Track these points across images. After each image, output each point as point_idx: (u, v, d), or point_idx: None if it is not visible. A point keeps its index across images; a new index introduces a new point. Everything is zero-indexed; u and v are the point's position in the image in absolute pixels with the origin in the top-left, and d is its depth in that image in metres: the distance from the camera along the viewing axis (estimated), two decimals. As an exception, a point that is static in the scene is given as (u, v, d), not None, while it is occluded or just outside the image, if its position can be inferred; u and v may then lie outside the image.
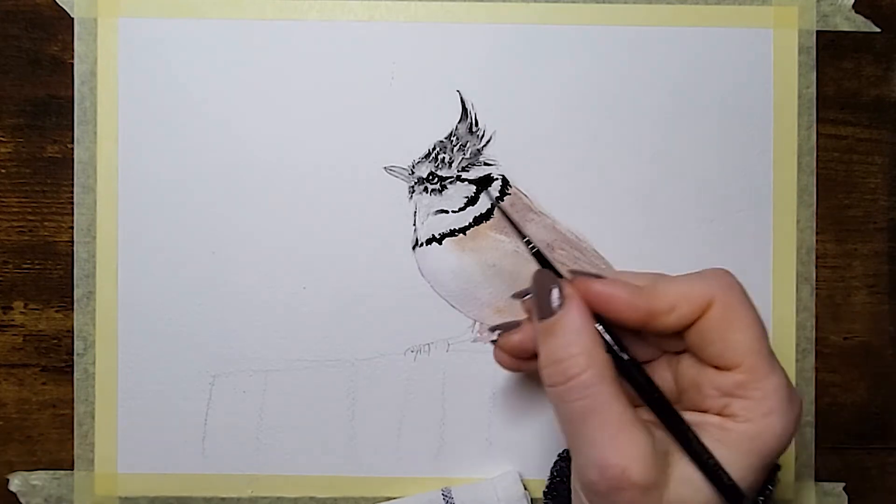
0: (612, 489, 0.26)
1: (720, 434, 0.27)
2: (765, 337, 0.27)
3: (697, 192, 0.38)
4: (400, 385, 0.38)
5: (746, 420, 0.27)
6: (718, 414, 0.27)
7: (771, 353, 0.27)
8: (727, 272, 0.29)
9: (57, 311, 0.38)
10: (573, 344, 0.27)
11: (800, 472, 0.38)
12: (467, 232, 0.37)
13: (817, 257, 0.38)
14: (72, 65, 0.38)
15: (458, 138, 0.37)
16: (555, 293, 0.27)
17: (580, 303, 0.27)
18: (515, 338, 0.31)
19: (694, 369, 0.28)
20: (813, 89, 0.38)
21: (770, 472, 0.28)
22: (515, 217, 0.37)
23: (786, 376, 0.27)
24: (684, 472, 0.26)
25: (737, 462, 0.26)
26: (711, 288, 0.28)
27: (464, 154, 0.37)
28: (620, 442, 0.26)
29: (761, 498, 0.28)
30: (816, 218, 0.38)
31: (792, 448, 0.38)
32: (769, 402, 0.26)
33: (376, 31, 0.38)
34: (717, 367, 0.28)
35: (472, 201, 0.37)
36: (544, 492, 0.34)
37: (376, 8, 0.38)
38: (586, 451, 0.27)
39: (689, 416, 0.28)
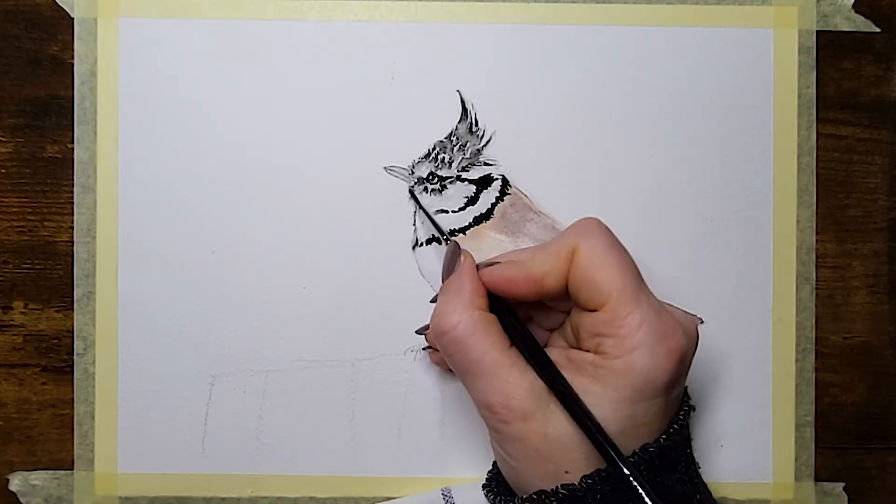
0: (501, 422, 0.29)
1: (594, 371, 0.29)
2: (631, 276, 0.29)
3: (697, 192, 0.38)
4: (400, 385, 0.38)
5: (615, 356, 0.28)
6: (595, 353, 0.29)
7: (638, 291, 0.29)
8: (591, 219, 0.31)
9: (57, 311, 0.38)
10: (450, 301, 0.30)
11: (800, 472, 0.38)
12: (467, 232, 0.37)
13: (817, 257, 0.38)
14: (72, 65, 0.38)
15: (458, 138, 0.37)
16: (455, 261, 0.32)
17: (470, 269, 0.31)
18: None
19: (577, 316, 0.31)
20: (813, 89, 0.38)
21: (679, 406, 0.30)
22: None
23: (658, 312, 0.29)
24: (594, 409, 0.28)
25: (608, 396, 0.28)
26: (572, 237, 0.30)
27: (464, 154, 0.37)
28: (498, 383, 0.29)
29: (663, 437, 0.29)
30: (816, 218, 0.38)
31: (792, 448, 0.38)
32: (633, 337, 0.28)
33: (376, 31, 0.38)
34: (590, 311, 0.29)
35: (472, 201, 0.37)
36: (483, 484, 0.34)
37: (376, 8, 0.38)
38: (474, 395, 0.30)
39: (573, 356, 0.30)
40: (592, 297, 0.29)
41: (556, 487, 0.28)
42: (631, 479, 0.27)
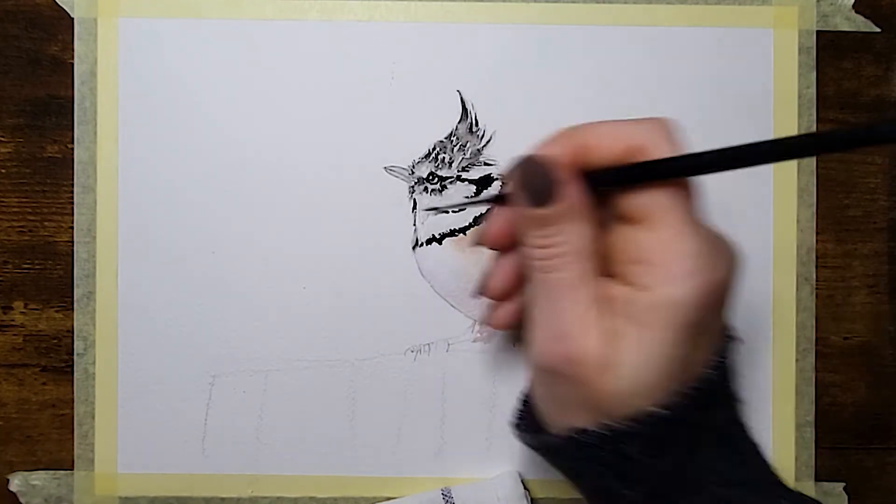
0: (563, 361, 0.26)
1: (626, 308, 0.25)
2: (690, 196, 0.25)
3: (697, 192, 0.38)
4: (400, 385, 0.38)
5: (649, 288, 0.25)
6: (624, 284, 0.26)
7: (693, 216, 0.25)
8: (668, 121, 0.27)
9: (57, 311, 0.38)
10: (571, 223, 0.26)
11: (800, 472, 0.38)
12: (467, 232, 0.37)
13: (817, 257, 0.38)
14: (72, 65, 0.38)
15: (458, 138, 0.37)
16: (550, 179, 0.26)
17: (576, 180, 0.26)
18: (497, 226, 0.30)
19: (614, 233, 0.27)
20: (813, 89, 0.38)
21: (722, 342, 0.27)
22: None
23: (706, 240, 0.25)
24: (630, 355, 0.25)
25: (647, 338, 0.25)
26: (643, 133, 0.26)
27: (464, 154, 0.37)
28: (587, 318, 0.25)
29: (710, 370, 0.26)
30: (816, 218, 0.38)
31: (792, 448, 0.38)
32: (675, 267, 0.25)
33: (376, 31, 0.38)
34: (628, 222, 0.26)
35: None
36: (513, 423, 0.32)
37: (376, 8, 0.38)
38: (552, 322, 0.26)
39: (602, 288, 0.26)
40: (634, 206, 0.26)
41: (597, 426, 0.26)
42: None
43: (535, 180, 0.26)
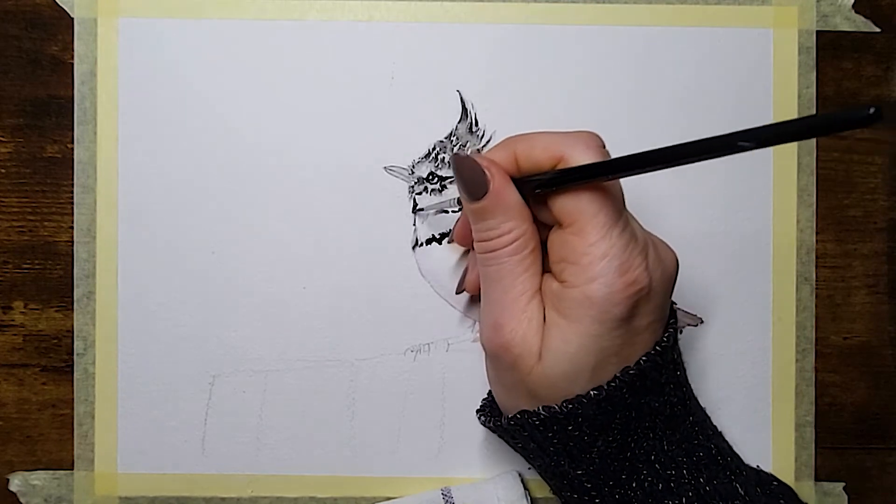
0: (499, 347, 0.29)
1: (557, 302, 0.28)
2: (611, 205, 0.27)
3: (697, 192, 0.38)
4: (400, 385, 0.38)
5: (574, 286, 0.27)
6: (558, 280, 0.28)
7: (613, 223, 0.27)
8: (593, 135, 0.29)
9: (57, 311, 0.38)
10: (504, 216, 0.29)
11: (800, 471, 0.38)
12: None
13: (817, 257, 0.38)
14: (72, 65, 0.38)
15: (458, 138, 0.37)
16: (481, 173, 0.29)
17: (504, 176, 0.29)
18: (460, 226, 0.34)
19: (552, 234, 0.29)
20: (813, 89, 0.38)
21: (659, 333, 0.29)
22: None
23: (626, 246, 0.27)
24: (560, 344, 0.28)
25: (573, 330, 0.27)
26: (566, 144, 0.28)
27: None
28: (517, 308, 0.29)
29: (643, 359, 0.28)
30: (816, 218, 0.38)
31: (792, 448, 0.38)
32: (594, 268, 0.27)
33: (376, 31, 0.38)
34: (561, 225, 0.28)
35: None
36: (477, 409, 0.34)
37: (376, 8, 0.38)
38: (489, 310, 0.30)
39: (545, 279, 0.29)
40: (563, 212, 0.28)
41: (538, 409, 0.29)
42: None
43: (468, 176, 0.29)
